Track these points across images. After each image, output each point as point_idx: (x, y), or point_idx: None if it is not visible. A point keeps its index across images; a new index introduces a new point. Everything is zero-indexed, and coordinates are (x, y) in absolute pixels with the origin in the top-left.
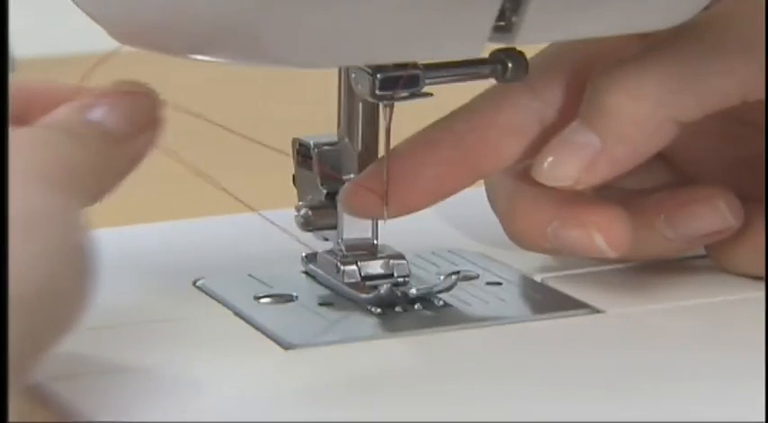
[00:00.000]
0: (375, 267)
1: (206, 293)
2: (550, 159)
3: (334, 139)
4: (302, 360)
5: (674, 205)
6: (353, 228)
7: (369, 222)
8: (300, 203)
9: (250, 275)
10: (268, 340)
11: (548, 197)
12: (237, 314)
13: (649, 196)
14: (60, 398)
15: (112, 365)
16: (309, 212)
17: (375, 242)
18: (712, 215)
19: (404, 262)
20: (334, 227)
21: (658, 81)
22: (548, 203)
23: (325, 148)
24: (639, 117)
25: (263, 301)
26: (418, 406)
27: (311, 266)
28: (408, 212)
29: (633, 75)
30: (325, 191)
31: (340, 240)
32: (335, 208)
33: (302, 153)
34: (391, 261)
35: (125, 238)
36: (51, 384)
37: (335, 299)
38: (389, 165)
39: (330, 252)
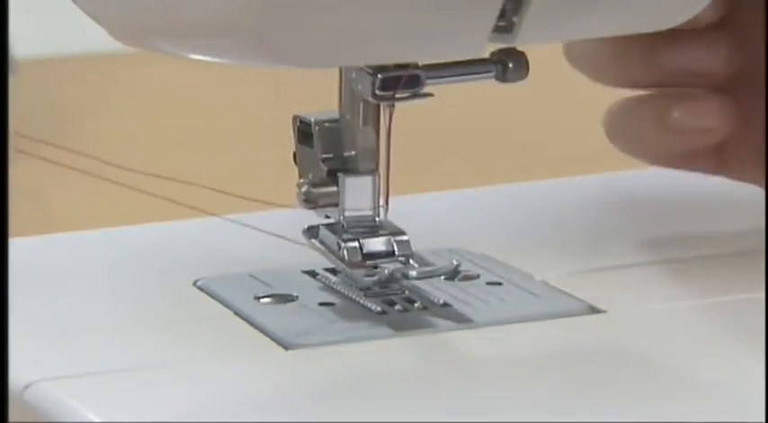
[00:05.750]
0: (377, 245)
1: (206, 293)
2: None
3: (336, 115)
4: (302, 360)
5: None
6: (355, 205)
7: (370, 199)
8: (301, 181)
9: (250, 275)
10: (268, 340)
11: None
12: (237, 314)
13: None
14: (59, 398)
15: (112, 366)
16: (311, 190)
17: (377, 219)
18: (704, 106)
19: (406, 238)
20: (336, 204)
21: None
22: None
23: (326, 124)
24: None
25: (263, 301)
26: (418, 406)
27: (312, 241)
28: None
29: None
30: (326, 168)
31: (341, 217)
32: (337, 185)
33: (303, 130)
34: (393, 238)
35: (125, 238)
36: (50, 385)
37: (336, 299)
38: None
39: (331, 228)
